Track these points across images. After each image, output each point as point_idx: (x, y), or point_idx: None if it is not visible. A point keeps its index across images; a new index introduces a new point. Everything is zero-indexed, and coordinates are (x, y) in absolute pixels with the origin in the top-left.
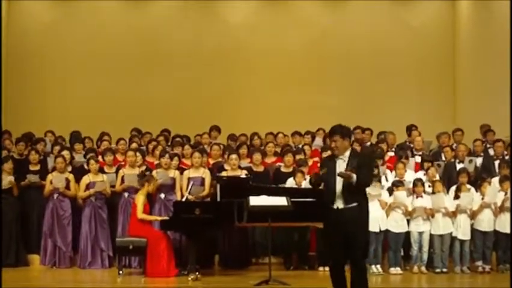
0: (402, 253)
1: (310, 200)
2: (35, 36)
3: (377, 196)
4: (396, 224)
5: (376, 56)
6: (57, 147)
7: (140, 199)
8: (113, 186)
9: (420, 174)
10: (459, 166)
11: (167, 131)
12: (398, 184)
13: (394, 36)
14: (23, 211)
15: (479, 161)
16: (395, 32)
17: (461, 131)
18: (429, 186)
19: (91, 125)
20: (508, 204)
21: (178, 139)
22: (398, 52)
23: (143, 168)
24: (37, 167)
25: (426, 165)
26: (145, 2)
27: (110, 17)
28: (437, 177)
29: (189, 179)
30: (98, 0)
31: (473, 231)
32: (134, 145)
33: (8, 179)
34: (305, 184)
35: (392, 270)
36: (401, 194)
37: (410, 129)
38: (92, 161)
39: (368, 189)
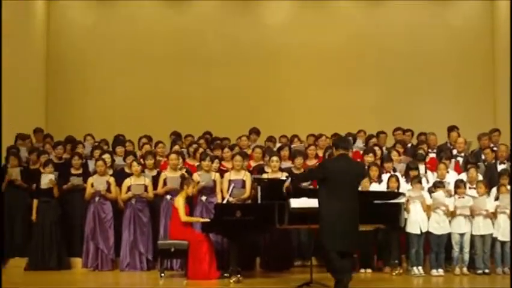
0: (444, 255)
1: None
2: (75, 38)
3: (417, 198)
4: (437, 225)
5: (415, 56)
6: (97, 151)
7: (180, 202)
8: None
9: (463, 176)
10: (500, 167)
11: (209, 133)
12: (437, 185)
13: (433, 35)
14: (65, 214)
15: None
16: (434, 31)
17: (498, 131)
18: (469, 187)
19: (131, 127)
20: None
21: (218, 142)
22: (437, 51)
23: (184, 170)
24: (79, 171)
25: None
26: (185, 2)
27: (149, 19)
28: (480, 178)
29: (230, 181)
30: (138, 1)
31: None
32: (176, 147)
33: (48, 177)
34: None
35: (434, 272)
36: (438, 195)
37: (450, 130)
38: (134, 163)
39: (408, 191)
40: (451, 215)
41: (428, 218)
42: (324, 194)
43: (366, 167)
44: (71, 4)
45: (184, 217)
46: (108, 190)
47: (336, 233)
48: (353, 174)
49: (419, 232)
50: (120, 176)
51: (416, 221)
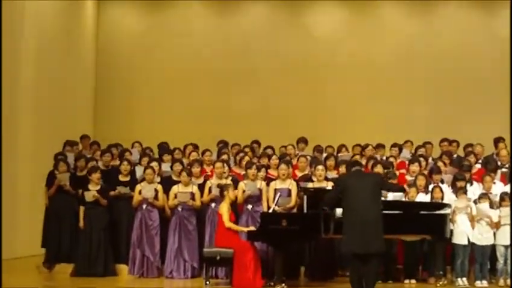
0: (489, 266)
1: (397, 212)
2: (124, 46)
3: (464, 209)
4: (481, 237)
5: (464, 66)
6: (145, 159)
7: (224, 208)
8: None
9: (508, 187)
10: None
11: (257, 142)
12: (482, 197)
13: (483, 45)
14: (111, 221)
15: None
16: (484, 40)
17: None
18: None
19: (177, 136)
20: None
21: (268, 150)
22: (487, 61)
23: (230, 179)
24: (127, 178)
25: None
26: (234, 12)
27: (198, 28)
28: None
29: (276, 190)
30: (187, 9)
31: None
32: (225, 156)
33: (91, 194)
34: (394, 196)
35: (478, 283)
36: (483, 207)
37: (497, 141)
38: (183, 173)
39: (455, 202)
40: (495, 226)
41: (472, 229)
42: (342, 205)
43: (382, 175)
44: (120, 12)
45: (228, 223)
46: (155, 198)
47: (352, 238)
48: (369, 184)
49: (466, 243)
50: (167, 183)
51: (463, 232)
